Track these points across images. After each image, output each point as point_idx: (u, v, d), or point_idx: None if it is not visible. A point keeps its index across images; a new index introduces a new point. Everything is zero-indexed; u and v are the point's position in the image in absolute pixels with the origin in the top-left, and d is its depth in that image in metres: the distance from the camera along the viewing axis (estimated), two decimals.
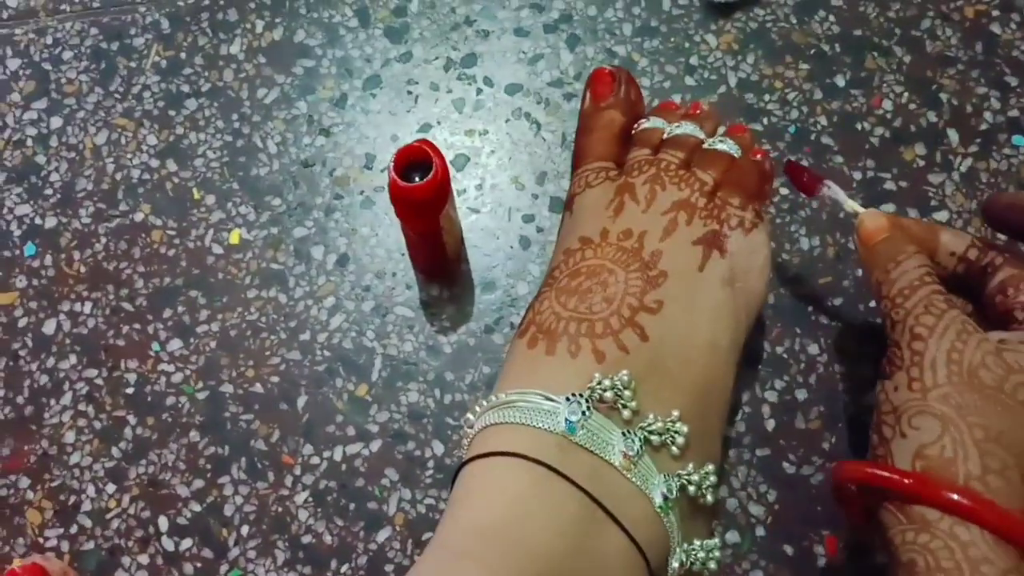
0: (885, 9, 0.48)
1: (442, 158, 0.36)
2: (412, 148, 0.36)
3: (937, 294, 0.35)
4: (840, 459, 0.41)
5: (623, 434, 0.33)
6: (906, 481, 0.32)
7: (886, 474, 0.32)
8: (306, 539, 0.41)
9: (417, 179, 0.36)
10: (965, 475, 0.31)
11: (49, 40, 0.50)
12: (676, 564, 0.33)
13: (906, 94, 0.47)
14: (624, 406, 0.33)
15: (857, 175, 0.46)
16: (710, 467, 0.35)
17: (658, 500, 0.33)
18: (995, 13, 0.48)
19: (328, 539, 0.41)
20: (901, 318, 0.35)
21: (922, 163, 0.46)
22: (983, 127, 0.46)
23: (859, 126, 0.47)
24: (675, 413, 0.34)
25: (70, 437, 0.43)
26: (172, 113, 0.48)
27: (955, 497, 0.30)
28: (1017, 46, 0.47)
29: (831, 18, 0.48)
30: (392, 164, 0.36)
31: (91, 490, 0.42)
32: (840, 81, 0.47)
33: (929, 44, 0.48)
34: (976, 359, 0.33)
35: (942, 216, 0.45)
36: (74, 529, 0.42)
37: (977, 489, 0.31)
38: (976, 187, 0.45)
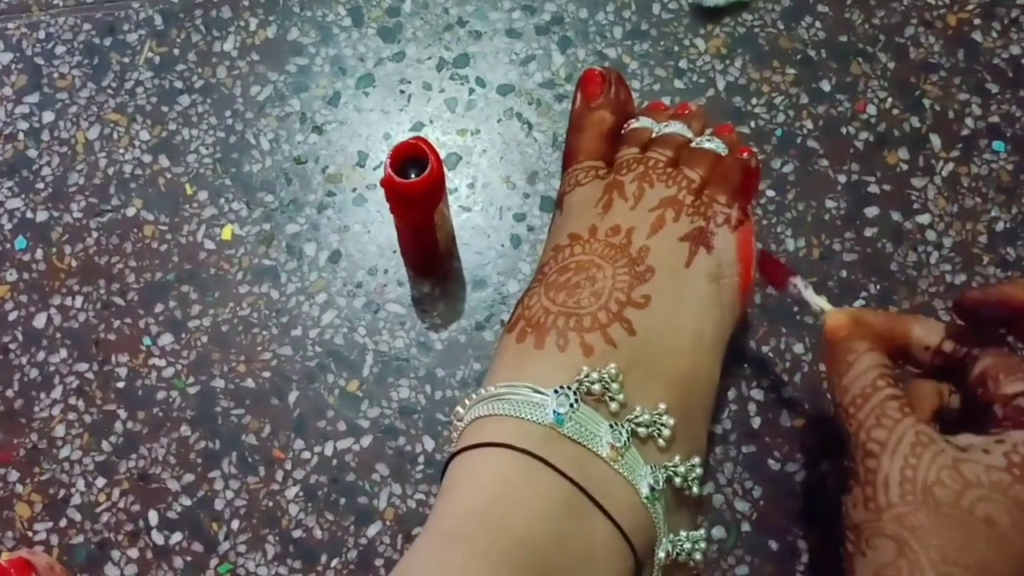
0: (870, 16, 0.49)
1: (437, 155, 0.37)
2: (408, 145, 0.36)
3: (891, 400, 0.33)
4: (824, 453, 0.42)
5: (610, 426, 0.34)
6: None
7: None
8: (296, 533, 0.42)
9: (413, 175, 0.36)
10: None
11: (42, 34, 0.50)
12: (662, 554, 0.34)
13: (890, 99, 0.48)
14: (611, 399, 0.34)
15: (842, 178, 0.47)
16: (696, 459, 0.35)
17: (645, 491, 0.33)
18: (977, 21, 0.49)
19: (318, 533, 0.42)
20: (854, 430, 0.33)
21: (905, 167, 0.47)
22: (964, 132, 0.47)
23: (844, 130, 0.47)
24: (662, 406, 0.35)
25: (60, 431, 0.43)
26: (165, 109, 0.48)
27: None
28: (998, 54, 0.48)
29: (817, 24, 0.49)
30: (388, 160, 0.36)
31: (81, 484, 0.42)
32: (826, 86, 0.48)
33: (913, 51, 0.49)
34: (931, 476, 0.31)
35: (924, 219, 0.46)
36: (63, 523, 0.42)
37: None
38: (957, 191, 0.46)
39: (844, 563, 0.33)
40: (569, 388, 0.34)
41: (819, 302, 0.37)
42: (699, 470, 0.35)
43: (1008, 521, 0.30)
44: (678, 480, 0.34)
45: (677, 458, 0.35)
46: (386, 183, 0.37)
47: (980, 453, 0.31)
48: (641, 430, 0.34)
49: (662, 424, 0.34)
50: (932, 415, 0.34)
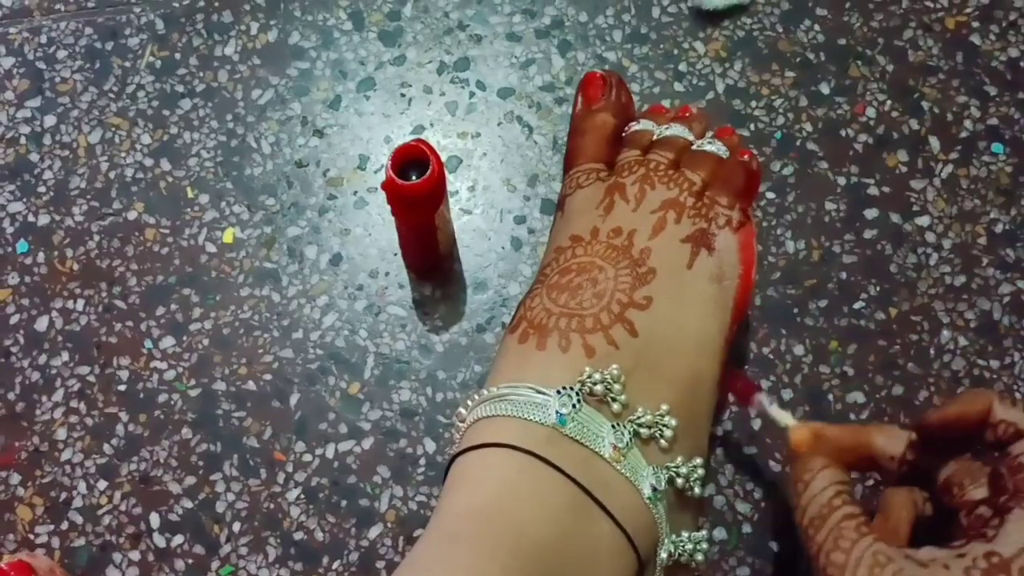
0: (868, 19, 0.49)
1: (438, 157, 0.37)
2: (409, 147, 0.36)
3: (847, 520, 0.32)
4: None
5: (613, 427, 0.34)
6: None
7: None
8: (298, 535, 0.42)
9: (414, 177, 0.36)
10: None
11: (43, 39, 0.50)
12: (664, 555, 0.34)
13: (889, 102, 0.48)
14: (614, 399, 0.34)
15: (841, 180, 0.47)
16: (698, 460, 0.36)
17: (647, 491, 0.33)
18: (975, 24, 0.49)
19: (320, 536, 0.42)
20: (814, 553, 0.33)
21: (904, 169, 0.47)
22: (963, 135, 0.47)
23: (843, 132, 0.48)
24: (664, 407, 0.35)
25: (62, 434, 0.43)
26: (166, 113, 0.48)
27: None
28: (996, 56, 0.49)
29: (816, 27, 0.49)
30: (389, 162, 0.36)
31: (82, 486, 0.42)
32: (825, 89, 0.48)
33: (911, 53, 0.49)
34: None
35: (923, 221, 0.46)
36: (65, 525, 0.42)
37: None
38: (957, 193, 0.47)
39: None
40: (572, 389, 0.34)
41: (783, 417, 0.37)
42: (701, 471, 0.35)
43: None
44: (680, 481, 0.34)
45: (679, 459, 0.35)
46: (387, 185, 0.37)
47: (940, 569, 0.30)
48: (643, 431, 0.34)
49: (664, 425, 0.34)
50: (909, 524, 0.34)
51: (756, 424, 0.43)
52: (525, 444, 0.32)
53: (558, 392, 0.34)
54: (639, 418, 0.34)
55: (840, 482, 0.33)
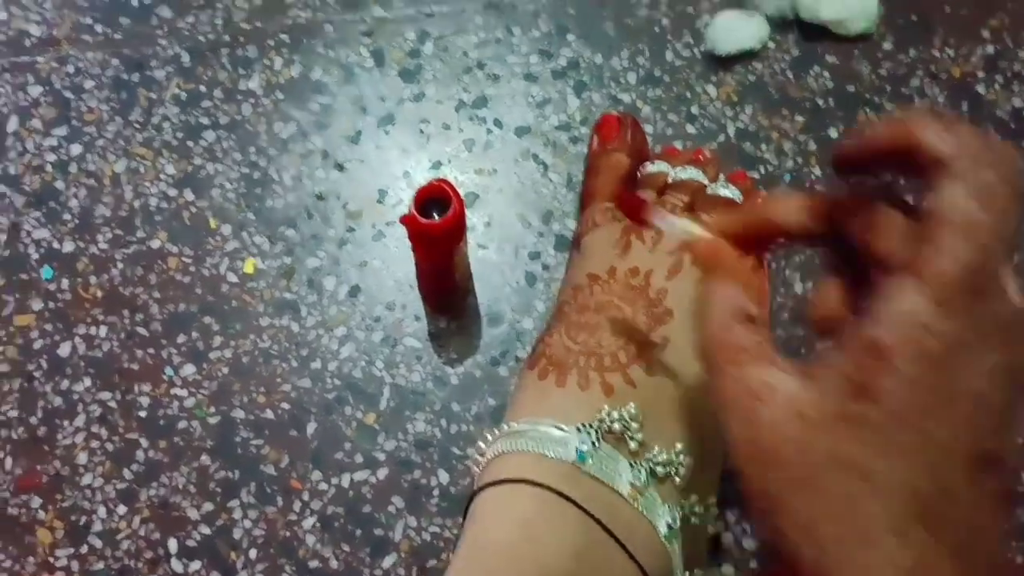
0: (876, 67, 0.51)
1: (459, 197, 0.38)
2: (432, 187, 0.38)
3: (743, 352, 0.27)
4: None
5: (630, 465, 0.35)
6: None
7: None
8: (313, 563, 0.42)
9: (435, 215, 0.37)
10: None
11: (71, 69, 0.51)
12: None
13: None
14: (631, 438, 0.35)
15: None
16: (711, 499, 0.36)
17: (663, 529, 0.34)
18: (980, 74, 0.51)
19: (334, 564, 0.42)
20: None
21: None
22: None
23: (851, 178, 0.49)
24: (679, 446, 0.36)
25: (82, 458, 0.44)
26: (190, 144, 0.50)
27: None
28: (1001, 106, 0.50)
29: (825, 73, 0.51)
30: (412, 201, 0.37)
31: (102, 511, 0.43)
32: (833, 133, 0.50)
33: (918, 101, 0.50)
34: (777, 438, 0.25)
35: None
36: (84, 549, 0.42)
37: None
38: None
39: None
40: (591, 426, 0.35)
41: (684, 227, 0.32)
42: (714, 509, 0.36)
43: (871, 457, 0.24)
44: (694, 519, 0.35)
45: (693, 497, 0.36)
46: (409, 223, 0.38)
47: (825, 370, 0.25)
48: (659, 469, 0.35)
49: (680, 464, 0.35)
50: (841, 306, 0.28)
51: None
52: (547, 480, 0.33)
53: (578, 429, 0.34)
54: (655, 456, 0.35)
55: (739, 298, 0.28)
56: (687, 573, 0.35)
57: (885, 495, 0.23)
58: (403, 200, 0.48)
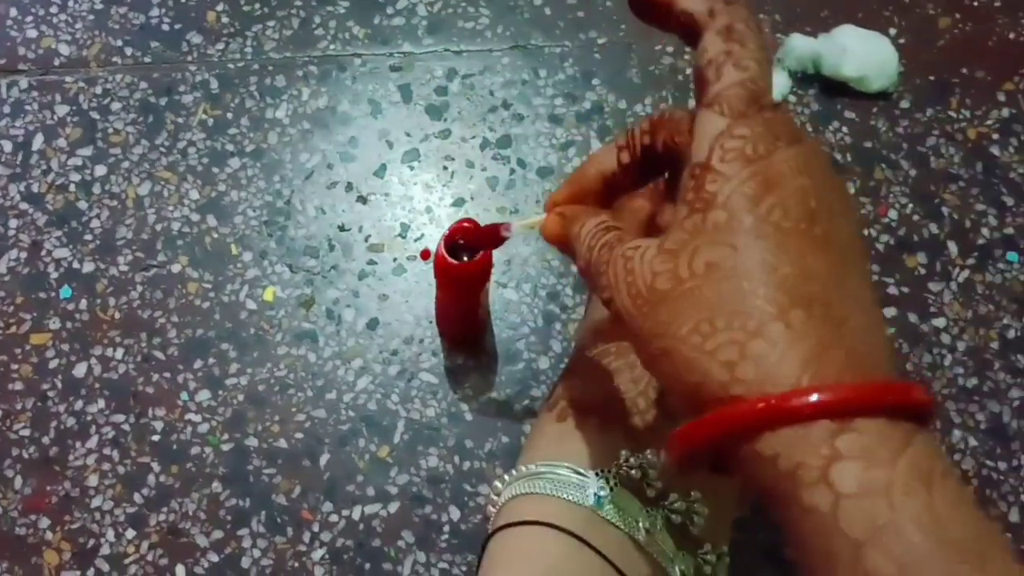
0: (894, 125, 0.52)
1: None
2: (462, 228, 0.38)
3: (604, 248, 0.29)
4: None
5: (647, 511, 0.35)
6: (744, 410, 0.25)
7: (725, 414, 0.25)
8: None
9: (464, 257, 0.38)
10: (733, 378, 0.25)
11: (99, 90, 0.52)
12: None
13: (911, 205, 0.50)
14: (649, 484, 0.35)
15: None
16: (724, 548, 0.37)
17: None
18: (995, 136, 0.52)
19: None
20: (597, 294, 0.30)
21: (923, 271, 0.49)
22: (980, 241, 0.50)
23: (866, 232, 0.50)
24: (695, 494, 0.36)
25: (93, 480, 0.44)
26: (215, 170, 0.50)
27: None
28: (1015, 168, 0.51)
29: (844, 129, 0.52)
30: (442, 240, 0.38)
31: (111, 534, 0.43)
32: (850, 188, 0.50)
33: (934, 160, 0.51)
34: (648, 275, 0.27)
35: (939, 323, 0.48)
36: (91, 572, 0.42)
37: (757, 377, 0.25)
38: (972, 297, 0.48)
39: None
40: (609, 471, 0.35)
41: (529, 222, 0.35)
42: (727, 559, 0.36)
43: (728, 255, 0.25)
44: (708, 568, 0.35)
45: (707, 546, 0.36)
46: (439, 263, 0.38)
47: (675, 224, 0.27)
48: (675, 517, 0.35)
49: (696, 512, 0.35)
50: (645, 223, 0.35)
51: None
52: (565, 524, 0.33)
53: (596, 474, 0.35)
54: (672, 504, 0.35)
55: (599, 221, 0.31)
56: None
57: (756, 286, 0.25)
58: (425, 235, 0.49)
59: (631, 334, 0.28)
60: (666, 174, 0.34)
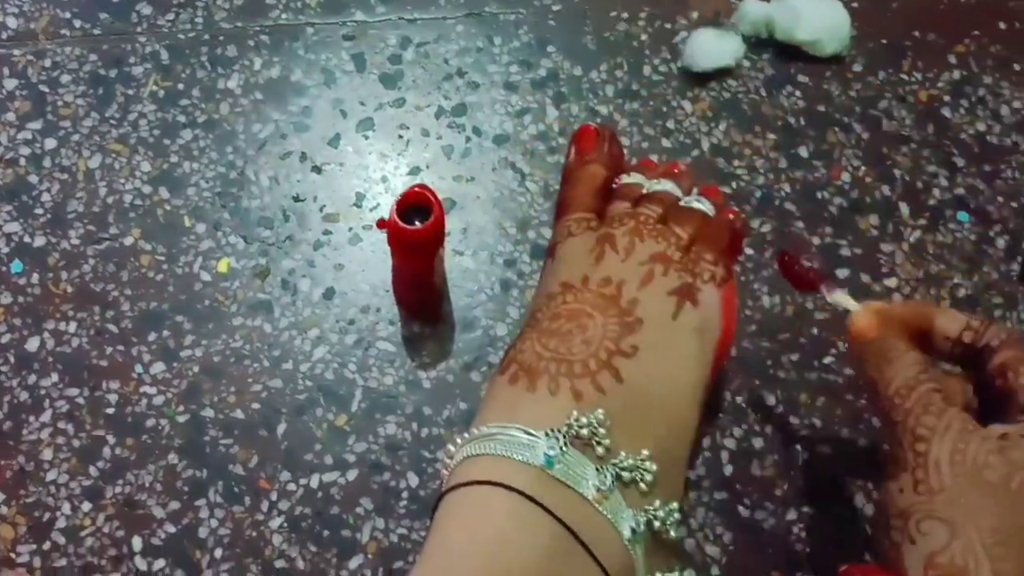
0: (847, 88, 0.52)
1: (440, 204, 0.38)
2: (414, 193, 0.38)
3: (935, 392, 0.35)
4: (791, 503, 0.44)
5: (596, 470, 0.35)
6: None
7: None
8: (279, 564, 0.42)
9: (417, 222, 0.38)
10: None
11: (48, 63, 0.51)
12: None
13: (863, 168, 0.51)
14: (599, 443, 0.35)
15: (816, 240, 0.49)
16: (674, 504, 0.37)
17: (627, 533, 0.35)
18: (947, 98, 0.52)
19: (301, 564, 0.42)
20: (901, 418, 0.35)
21: (876, 233, 0.49)
22: (932, 202, 0.50)
23: (819, 195, 0.50)
24: (645, 452, 0.36)
25: (48, 454, 0.44)
26: (167, 142, 0.50)
27: None
28: (965, 130, 0.52)
29: (797, 93, 0.52)
30: (394, 206, 0.38)
31: (66, 507, 0.43)
32: (804, 152, 0.51)
33: (886, 123, 0.51)
34: (980, 458, 0.32)
35: (891, 283, 0.49)
36: (47, 546, 0.42)
37: None
38: (924, 257, 0.49)
39: (888, 553, 0.34)
40: (559, 431, 0.35)
41: (846, 302, 0.38)
42: (677, 515, 0.37)
43: None
44: (657, 524, 0.36)
45: (657, 502, 0.36)
46: (391, 228, 0.38)
47: (1019, 438, 0.33)
48: (625, 474, 0.36)
49: (645, 469, 0.36)
50: (962, 408, 0.36)
51: (728, 470, 0.45)
52: (514, 483, 0.33)
53: (547, 434, 0.35)
54: (621, 462, 0.36)
55: (924, 360, 0.36)
56: None
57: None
58: (380, 204, 0.49)
59: (915, 468, 0.33)
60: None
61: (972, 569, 0.31)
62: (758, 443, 0.45)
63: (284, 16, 0.52)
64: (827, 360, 0.47)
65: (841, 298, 0.38)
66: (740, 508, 0.44)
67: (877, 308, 0.37)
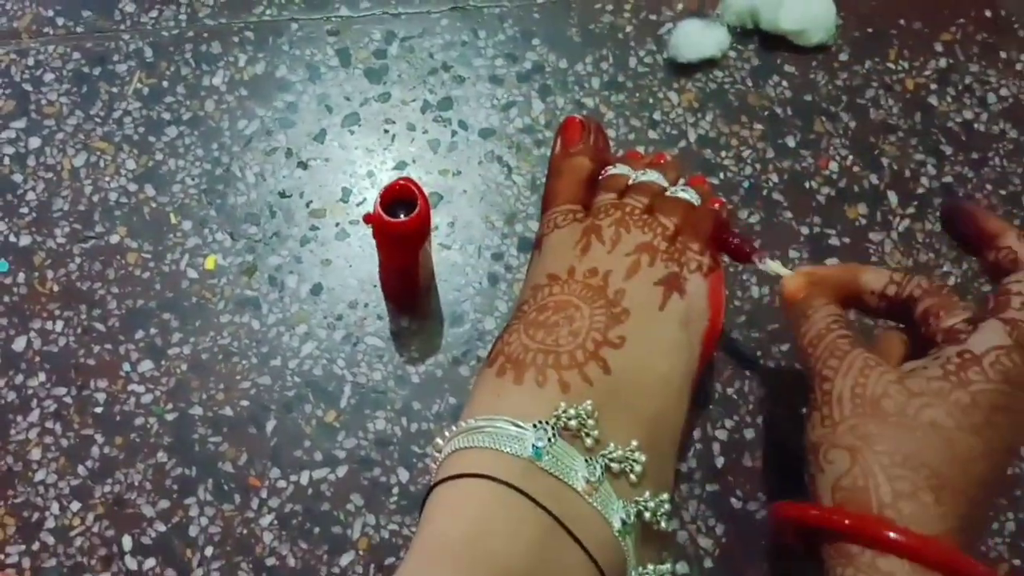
0: (833, 78, 0.52)
1: (425, 196, 0.38)
2: (398, 186, 0.38)
3: (841, 338, 0.37)
4: (783, 497, 0.44)
5: (585, 461, 0.35)
6: (830, 517, 0.34)
7: (815, 512, 0.35)
8: (270, 561, 0.42)
9: (401, 215, 0.38)
10: (878, 503, 0.33)
11: (31, 61, 0.51)
12: None
13: (850, 157, 0.51)
14: (587, 434, 0.35)
15: (804, 230, 0.49)
16: (664, 495, 0.37)
17: (617, 524, 0.35)
18: (933, 87, 0.52)
19: (292, 562, 0.42)
20: (812, 365, 0.37)
21: (864, 222, 0.49)
22: (920, 191, 0.50)
23: (807, 184, 0.50)
24: (634, 443, 0.36)
25: (36, 454, 0.43)
26: (152, 139, 0.49)
27: (874, 531, 0.33)
28: (952, 118, 0.52)
29: (784, 83, 0.52)
30: (378, 199, 0.38)
31: (55, 507, 0.43)
32: (791, 142, 0.51)
33: (873, 112, 0.51)
34: (878, 390, 0.35)
35: None
36: (36, 546, 0.42)
37: (889, 516, 0.33)
38: (912, 246, 0.49)
39: (809, 487, 0.36)
40: (547, 423, 0.35)
41: (776, 268, 0.40)
42: (667, 506, 0.37)
43: (951, 424, 0.33)
44: (647, 515, 0.36)
45: (647, 493, 0.36)
46: (375, 221, 0.38)
47: (921, 369, 0.35)
48: (614, 465, 0.35)
49: (634, 460, 0.36)
50: (899, 357, 0.39)
51: (719, 462, 0.45)
52: (502, 475, 0.33)
53: (534, 426, 0.35)
54: (610, 453, 0.35)
55: (836, 314, 0.38)
56: (640, 568, 0.35)
57: (955, 462, 0.33)
58: (367, 199, 0.49)
59: (822, 406, 0.36)
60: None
61: (871, 488, 0.33)
62: (749, 434, 0.45)
63: (268, 12, 0.52)
64: None
65: (773, 265, 0.40)
66: (732, 500, 0.44)
67: (806, 272, 0.40)
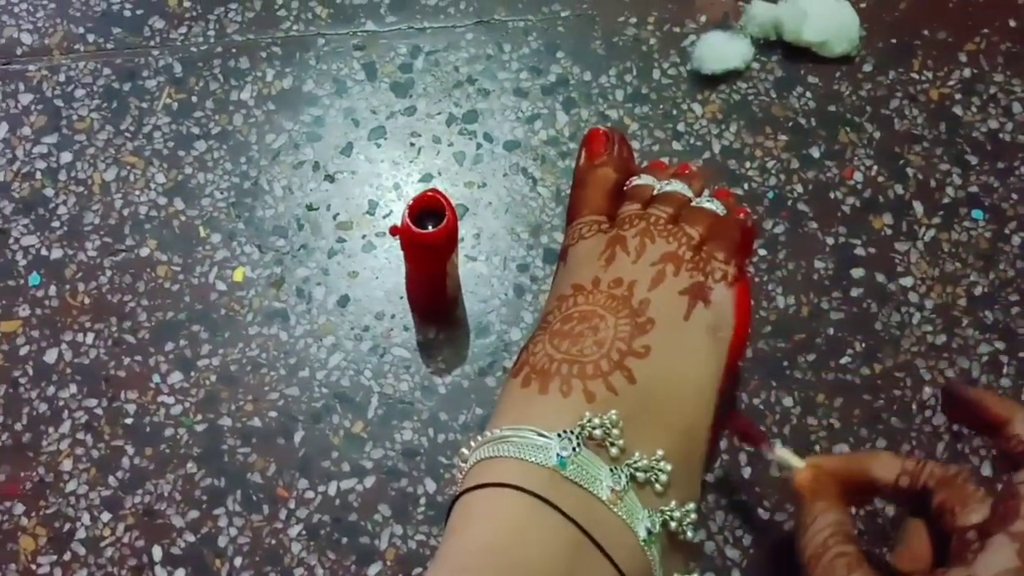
0: (857, 88, 0.52)
1: (452, 207, 0.39)
2: (426, 197, 0.38)
3: (839, 557, 0.36)
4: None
5: (610, 470, 0.35)
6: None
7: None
8: (298, 572, 0.42)
9: (430, 226, 0.38)
10: None
11: (62, 77, 0.52)
12: None
13: (876, 167, 0.50)
14: (612, 444, 0.35)
15: (830, 240, 0.49)
16: (691, 505, 0.37)
17: (642, 534, 0.34)
18: (958, 97, 0.52)
19: (320, 572, 0.42)
20: None
21: (890, 231, 0.49)
22: (946, 200, 0.50)
23: (832, 195, 0.50)
24: (659, 452, 0.36)
25: (67, 465, 0.44)
26: (181, 153, 0.50)
27: None
28: (977, 127, 0.51)
29: (808, 94, 0.52)
30: (407, 210, 0.38)
31: (86, 518, 0.43)
32: (815, 152, 0.51)
33: (897, 122, 0.51)
34: None
35: (906, 282, 0.48)
36: (67, 556, 0.42)
37: None
38: (939, 255, 0.49)
39: None
40: (572, 432, 0.35)
41: (788, 458, 0.40)
42: (694, 515, 0.36)
43: None
44: (673, 524, 0.36)
45: (673, 503, 0.36)
46: (403, 232, 0.39)
47: None
48: (640, 475, 0.35)
49: (660, 470, 0.36)
50: (929, 549, 0.37)
51: (747, 472, 0.45)
52: (527, 485, 0.33)
53: (559, 435, 0.35)
54: (636, 463, 0.35)
55: (837, 523, 0.37)
56: None
57: None
58: (393, 211, 0.49)
59: None
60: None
61: None
62: (776, 445, 0.45)
63: (295, 27, 0.53)
64: (844, 360, 0.47)
65: (784, 455, 0.40)
66: (760, 511, 0.44)
67: (816, 463, 0.39)
